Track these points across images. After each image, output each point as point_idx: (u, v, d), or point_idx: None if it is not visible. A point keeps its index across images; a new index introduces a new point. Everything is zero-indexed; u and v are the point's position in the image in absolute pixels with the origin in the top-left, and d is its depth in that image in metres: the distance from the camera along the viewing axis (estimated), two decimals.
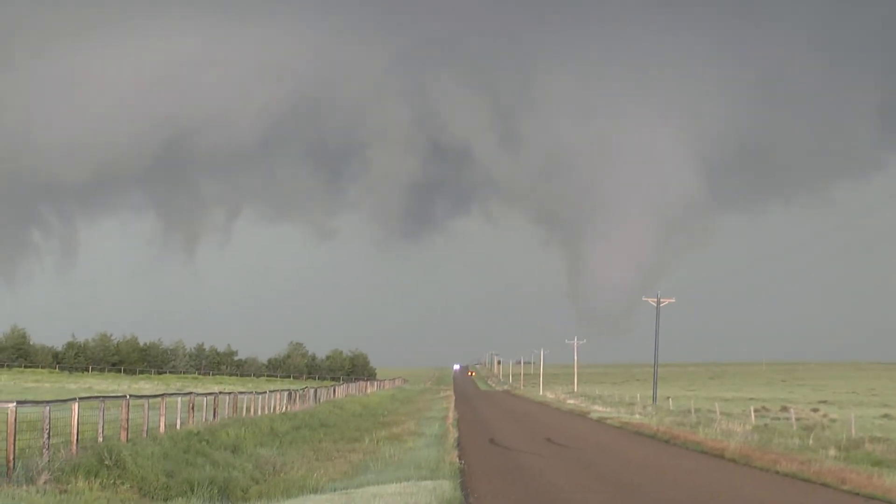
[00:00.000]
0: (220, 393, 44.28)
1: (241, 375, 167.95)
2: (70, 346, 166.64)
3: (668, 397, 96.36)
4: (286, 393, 57.95)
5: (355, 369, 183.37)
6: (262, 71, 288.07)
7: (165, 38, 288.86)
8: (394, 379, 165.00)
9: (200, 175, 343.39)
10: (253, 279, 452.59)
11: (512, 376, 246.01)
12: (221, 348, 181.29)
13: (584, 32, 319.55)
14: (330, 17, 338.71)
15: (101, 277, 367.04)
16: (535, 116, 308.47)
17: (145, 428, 29.55)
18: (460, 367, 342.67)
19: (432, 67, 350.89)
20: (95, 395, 34.03)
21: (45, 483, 20.17)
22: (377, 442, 37.90)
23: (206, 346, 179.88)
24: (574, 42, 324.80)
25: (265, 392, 53.38)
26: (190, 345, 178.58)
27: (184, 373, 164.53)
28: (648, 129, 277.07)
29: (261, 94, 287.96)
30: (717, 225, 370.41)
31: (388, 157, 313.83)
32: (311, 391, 67.21)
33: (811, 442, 38.52)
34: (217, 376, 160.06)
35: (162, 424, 31.51)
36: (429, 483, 21.90)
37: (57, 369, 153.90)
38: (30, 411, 24.09)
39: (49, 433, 22.60)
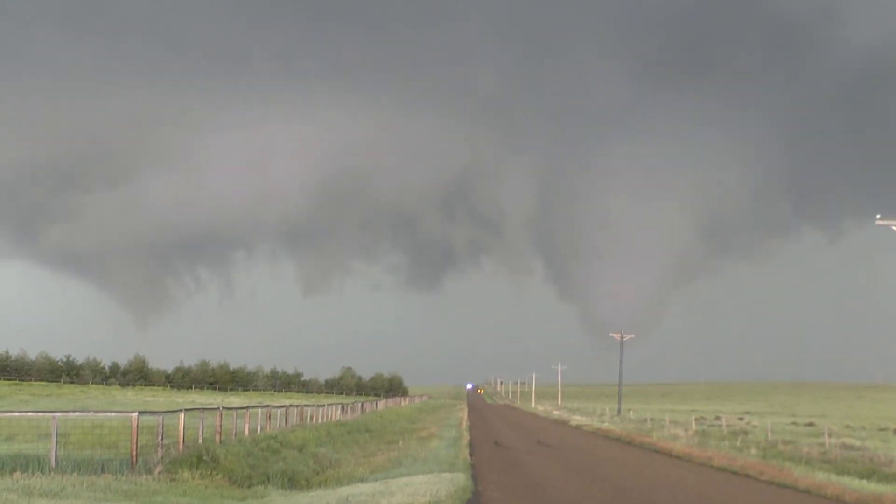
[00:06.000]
0: (290, 406, 44.16)
1: (306, 392, 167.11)
2: (178, 369, 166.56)
3: (630, 409, 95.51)
4: (340, 406, 57.78)
5: (392, 387, 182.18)
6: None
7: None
8: (421, 395, 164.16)
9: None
10: (320, 318, 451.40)
11: (511, 393, 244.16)
12: (290, 371, 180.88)
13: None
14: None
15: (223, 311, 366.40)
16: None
17: (234, 432, 29.56)
18: (472, 385, 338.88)
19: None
20: (197, 406, 34.01)
21: (159, 473, 20.21)
22: (408, 443, 37.71)
23: (279, 370, 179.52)
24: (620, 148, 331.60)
25: (324, 405, 53.23)
26: (267, 368, 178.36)
27: (263, 390, 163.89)
28: (662, 207, 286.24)
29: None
30: (694, 272, 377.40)
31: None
32: (359, 404, 66.96)
33: (738, 443, 38.12)
34: (287, 393, 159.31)
35: (246, 429, 31.50)
36: (448, 475, 21.79)
37: (168, 387, 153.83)
38: (148, 419, 24.16)
39: (162, 436, 22.70)
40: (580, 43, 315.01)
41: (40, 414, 25.10)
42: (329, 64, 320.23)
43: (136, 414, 21.78)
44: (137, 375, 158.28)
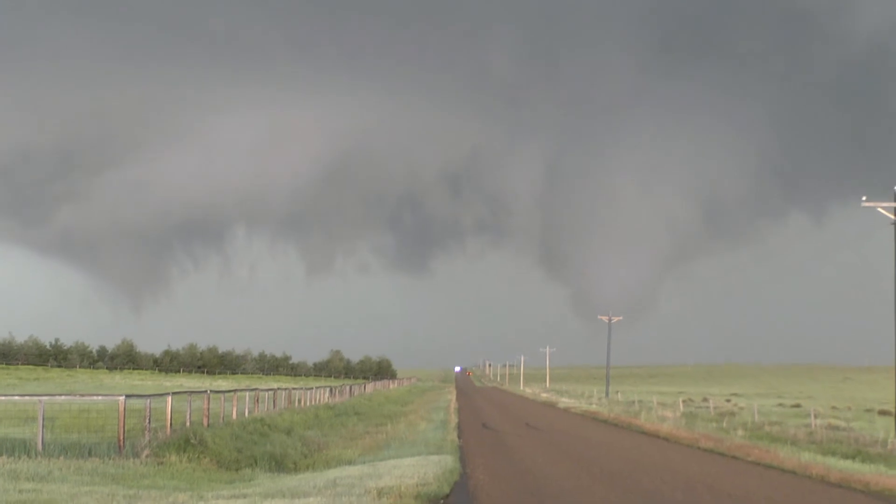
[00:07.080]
0: (278, 389, 44.19)
1: (294, 375, 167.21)
2: (166, 353, 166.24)
3: (618, 391, 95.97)
4: (328, 389, 57.78)
5: (381, 370, 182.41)
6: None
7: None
8: (410, 378, 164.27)
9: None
10: (308, 299, 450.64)
11: (500, 376, 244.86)
12: (279, 354, 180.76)
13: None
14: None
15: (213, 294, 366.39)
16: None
17: (221, 415, 29.53)
18: (461, 368, 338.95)
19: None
20: (184, 390, 33.94)
21: (146, 457, 20.19)
22: (397, 426, 37.78)
23: (268, 353, 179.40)
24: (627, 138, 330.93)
25: (312, 388, 53.24)
26: (255, 352, 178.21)
27: (251, 373, 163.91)
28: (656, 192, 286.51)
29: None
30: (684, 256, 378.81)
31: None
32: (348, 388, 66.99)
33: (725, 425, 38.39)
34: (276, 376, 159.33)
35: (234, 413, 31.49)
36: (435, 457, 21.84)
37: (156, 371, 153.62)
38: (135, 403, 24.11)
39: (149, 419, 22.65)
40: (580, 30, 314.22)
41: (27, 398, 25.02)
42: (336, 48, 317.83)
43: (124, 397, 21.73)
44: (125, 359, 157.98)
